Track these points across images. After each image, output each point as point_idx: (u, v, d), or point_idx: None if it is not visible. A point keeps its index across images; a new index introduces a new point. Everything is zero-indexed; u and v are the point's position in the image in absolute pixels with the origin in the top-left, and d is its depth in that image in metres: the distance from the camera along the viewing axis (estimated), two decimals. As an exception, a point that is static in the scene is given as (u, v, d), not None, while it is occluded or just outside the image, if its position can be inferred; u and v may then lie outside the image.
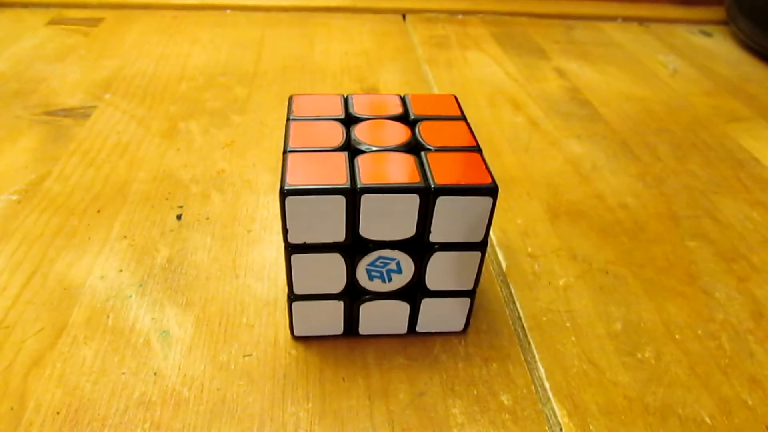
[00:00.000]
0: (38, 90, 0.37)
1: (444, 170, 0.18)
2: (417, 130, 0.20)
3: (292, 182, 0.17)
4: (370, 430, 0.19)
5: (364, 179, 0.17)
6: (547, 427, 0.19)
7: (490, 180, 0.18)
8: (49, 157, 0.31)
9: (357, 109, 0.21)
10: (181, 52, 0.44)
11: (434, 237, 0.18)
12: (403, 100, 0.22)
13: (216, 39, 0.46)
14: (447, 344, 0.21)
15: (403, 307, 0.20)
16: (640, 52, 0.50)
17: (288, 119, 0.20)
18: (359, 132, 0.20)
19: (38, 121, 0.34)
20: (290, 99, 0.22)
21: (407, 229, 0.18)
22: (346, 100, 0.22)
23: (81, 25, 0.47)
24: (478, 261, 0.19)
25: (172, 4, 0.52)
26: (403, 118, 0.21)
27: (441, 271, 0.19)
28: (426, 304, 0.20)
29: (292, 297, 0.20)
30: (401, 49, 0.47)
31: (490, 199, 0.18)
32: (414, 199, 0.17)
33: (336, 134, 0.19)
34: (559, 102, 0.40)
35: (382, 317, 0.21)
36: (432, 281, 0.20)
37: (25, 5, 0.50)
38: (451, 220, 0.18)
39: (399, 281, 0.20)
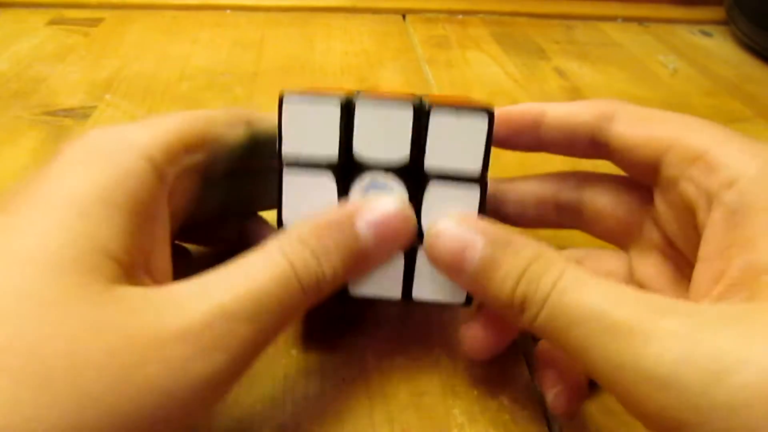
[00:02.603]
0: (38, 90, 0.37)
1: (441, 101, 0.18)
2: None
3: (290, 93, 0.17)
4: (370, 430, 0.19)
5: (361, 95, 0.18)
6: (547, 428, 0.19)
7: (485, 107, 0.18)
8: (49, 158, 0.31)
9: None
10: (181, 52, 0.44)
11: (429, 161, 0.18)
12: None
13: (216, 39, 0.46)
14: (447, 345, 0.21)
15: (397, 263, 0.19)
16: (640, 52, 0.50)
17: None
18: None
19: (38, 121, 0.34)
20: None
21: (401, 148, 0.18)
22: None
23: (81, 25, 0.47)
24: (478, 199, 0.18)
25: (172, 4, 0.52)
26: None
27: (439, 210, 0.18)
28: (423, 259, 0.18)
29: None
30: (401, 49, 0.47)
31: (485, 121, 0.17)
32: (408, 115, 0.17)
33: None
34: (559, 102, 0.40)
35: (374, 273, 0.19)
36: (429, 221, 0.18)
37: (25, 5, 0.50)
38: (445, 146, 0.18)
39: None
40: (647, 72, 0.46)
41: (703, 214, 0.16)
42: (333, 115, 0.17)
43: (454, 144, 0.18)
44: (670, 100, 0.42)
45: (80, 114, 0.35)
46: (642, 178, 0.19)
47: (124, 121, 0.35)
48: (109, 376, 0.13)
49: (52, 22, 0.48)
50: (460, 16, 0.55)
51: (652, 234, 0.20)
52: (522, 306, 0.16)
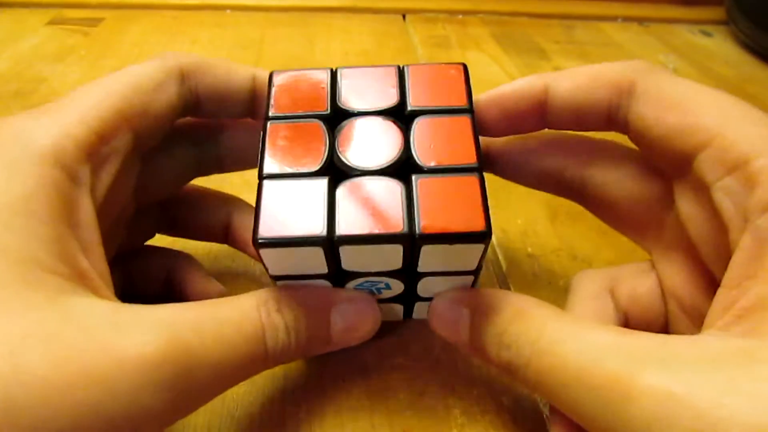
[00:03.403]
0: (38, 90, 0.37)
1: (433, 208, 0.16)
2: (412, 136, 0.17)
3: (265, 233, 0.15)
4: (370, 430, 0.19)
5: (343, 226, 0.16)
6: (547, 428, 0.19)
7: (482, 225, 0.15)
8: None
9: (345, 97, 0.18)
10: (181, 52, 0.44)
11: (422, 269, 0.17)
12: (401, 75, 0.19)
13: (216, 39, 0.46)
14: (447, 344, 0.21)
15: (397, 307, 0.20)
16: (640, 52, 0.50)
17: (266, 118, 0.18)
18: (343, 142, 0.17)
19: (38, 121, 0.34)
20: (270, 78, 0.19)
21: (393, 265, 0.17)
22: (333, 79, 0.19)
23: (81, 25, 0.47)
24: (471, 282, 0.18)
25: (172, 4, 0.52)
26: (399, 110, 0.18)
27: (432, 289, 0.19)
28: (420, 305, 0.20)
29: None
30: (401, 49, 0.47)
31: (480, 246, 0.16)
32: (397, 248, 0.16)
33: (317, 146, 0.17)
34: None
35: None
36: (424, 293, 0.19)
37: (25, 5, 0.50)
38: (439, 260, 0.17)
39: (389, 293, 0.19)
40: (647, 72, 0.46)
41: (736, 234, 0.14)
42: (315, 251, 0.16)
43: (447, 260, 0.17)
44: (670, 100, 0.42)
45: (80, 114, 0.35)
46: (665, 168, 0.17)
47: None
48: (49, 389, 0.12)
49: (52, 22, 0.48)
50: (460, 16, 0.54)
51: (677, 234, 0.17)
52: (509, 369, 0.16)
